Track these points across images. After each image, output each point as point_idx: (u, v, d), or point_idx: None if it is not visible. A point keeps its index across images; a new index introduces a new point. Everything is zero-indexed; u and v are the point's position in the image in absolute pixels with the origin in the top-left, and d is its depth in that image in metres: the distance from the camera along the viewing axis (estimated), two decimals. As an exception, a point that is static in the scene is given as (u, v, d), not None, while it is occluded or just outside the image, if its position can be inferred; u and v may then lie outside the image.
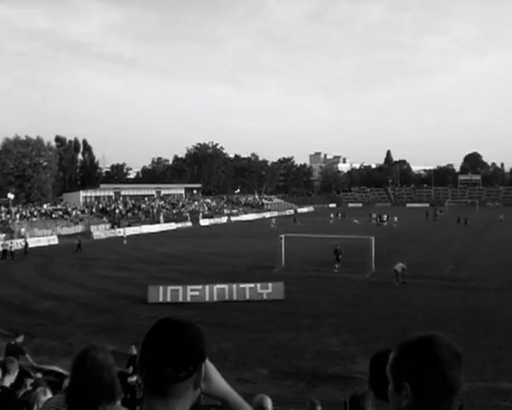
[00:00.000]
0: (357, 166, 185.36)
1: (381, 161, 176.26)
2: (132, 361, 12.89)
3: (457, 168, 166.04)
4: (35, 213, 71.80)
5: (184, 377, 1.68)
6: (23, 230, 60.19)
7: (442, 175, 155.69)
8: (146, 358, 1.72)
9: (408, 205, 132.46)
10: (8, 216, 66.54)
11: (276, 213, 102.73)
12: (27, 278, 34.89)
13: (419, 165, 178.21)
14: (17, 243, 49.79)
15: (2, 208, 70.28)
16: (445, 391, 1.63)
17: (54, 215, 72.92)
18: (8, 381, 6.40)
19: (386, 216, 78.20)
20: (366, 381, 2.71)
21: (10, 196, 68.03)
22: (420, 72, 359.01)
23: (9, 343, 13.24)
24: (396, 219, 73.30)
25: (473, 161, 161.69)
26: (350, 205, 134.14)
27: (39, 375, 10.47)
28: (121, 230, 65.06)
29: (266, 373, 16.10)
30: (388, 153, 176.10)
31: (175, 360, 1.68)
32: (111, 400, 2.64)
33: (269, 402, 6.56)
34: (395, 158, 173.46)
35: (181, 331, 1.73)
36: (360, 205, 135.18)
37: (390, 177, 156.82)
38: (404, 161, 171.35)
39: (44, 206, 77.14)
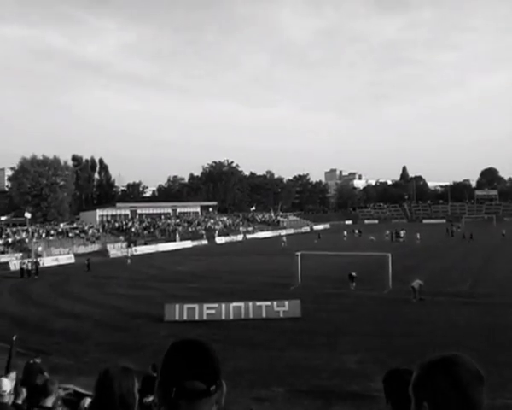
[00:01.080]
0: (372, 182, 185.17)
1: (397, 178, 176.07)
2: (147, 380, 12.77)
3: (474, 183, 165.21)
4: (52, 232, 72.49)
5: (214, 390, 1.72)
6: (40, 249, 60.79)
7: (458, 191, 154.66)
8: (173, 376, 1.73)
9: (424, 221, 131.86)
10: (26, 235, 67.25)
11: (292, 231, 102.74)
12: (44, 296, 35.10)
13: (435, 181, 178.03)
14: (33, 263, 50.16)
15: (20, 227, 71.03)
16: (464, 412, 1.62)
17: (70, 234, 73.58)
18: (50, 402, 6.58)
19: (402, 232, 77.55)
20: (383, 399, 2.68)
21: (27, 215, 68.70)
22: (435, 87, 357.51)
23: (28, 363, 13.28)
24: (418, 235, 73.20)
25: (489, 176, 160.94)
26: (366, 222, 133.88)
27: (62, 392, 10.44)
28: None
29: (283, 392, 15.96)
30: (404, 169, 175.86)
31: (204, 374, 1.72)
32: None
33: None
34: (411, 174, 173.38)
35: (202, 348, 1.78)
36: (376, 222, 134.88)
37: (406, 193, 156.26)
38: (420, 177, 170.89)
39: (61, 225, 77.90)
